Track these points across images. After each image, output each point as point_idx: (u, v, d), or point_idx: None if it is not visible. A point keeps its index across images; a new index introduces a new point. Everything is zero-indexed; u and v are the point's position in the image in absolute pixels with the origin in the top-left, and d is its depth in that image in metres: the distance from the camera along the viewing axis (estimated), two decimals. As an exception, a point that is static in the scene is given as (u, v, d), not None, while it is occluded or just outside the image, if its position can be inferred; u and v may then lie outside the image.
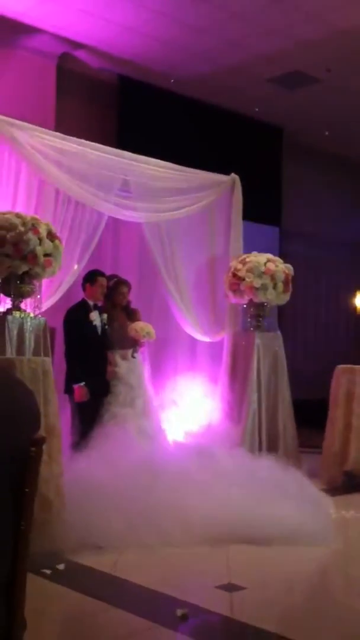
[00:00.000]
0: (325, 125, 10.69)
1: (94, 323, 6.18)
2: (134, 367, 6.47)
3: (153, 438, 6.21)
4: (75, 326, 6.10)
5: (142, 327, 6.46)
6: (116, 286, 6.49)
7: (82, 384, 5.95)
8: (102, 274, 6.29)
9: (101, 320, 6.26)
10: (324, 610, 3.71)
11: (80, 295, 6.20)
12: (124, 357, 6.43)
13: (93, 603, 3.70)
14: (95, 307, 6.25)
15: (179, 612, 3.54)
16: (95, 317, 6.20)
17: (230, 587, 3.98)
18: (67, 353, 6.09)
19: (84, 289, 6.22)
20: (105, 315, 6.32)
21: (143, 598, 3.83)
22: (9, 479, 1.97)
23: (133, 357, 6.47)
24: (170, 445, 6.33)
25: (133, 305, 6.66)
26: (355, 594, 3.98)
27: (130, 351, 6.45)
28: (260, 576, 4.18)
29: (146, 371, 6.62)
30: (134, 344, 6.45)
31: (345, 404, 6.61)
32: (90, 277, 6.21)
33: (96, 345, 6.18)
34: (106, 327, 6.32)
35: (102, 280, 6.26)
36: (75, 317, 6.14)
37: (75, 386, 5.95)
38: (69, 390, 6.00)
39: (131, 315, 6.61)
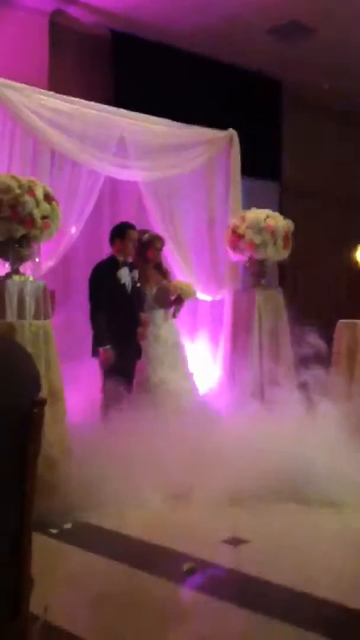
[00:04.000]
0: (325, 78, 10.50)
1: (122, 281, 5.81)
2: (174, 329, 6.27)
3: (193, 399, 6.09)
4: (101, 284, 5.69)
5: (187, 285, 6.25)
6: (151, 241, 6.16)
7: (108, 347, 5.60)
8: (132, 227, 5.89)
9: (132, 278, 5.88)
10: (328, 562, 3.78)
11: (79, 257, 6.15)
12: (165, 319, 6.22)
13: (100, 560, 3.78)
14: (125, 263, 5.86)
15: (185, 566, 3.61)
16: (124, 275, 5.82)
17: (235, 541, 4.05)
18: (92, 314, 5.69)
19: (113, 244, 5.85)
20: (136, 272, 5.93)
21: (149, 554, 3.90)
22: (15, 439, 2.00)
23: (174, 316, 6.26)
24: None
25: None
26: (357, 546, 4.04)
27: (172, 311, 6.24)
28: (264, 530, 4.25)
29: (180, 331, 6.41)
30: (173, 303, 6.22)
31: (347, 359, 6.63)
32: (120, 231, 5.83)
33: (125, 305, 5.80)
34: (138, 284, 5.93)
35: (133, 234, 5.85)
36: (101, 274, 5.73)
37: (101, 349, 5.61)
38: (96, 353, 5.67)
39: (164, 274, 6.34)
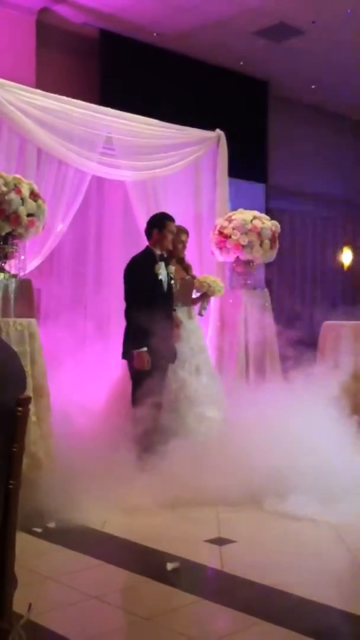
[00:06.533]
0: (312, 79, 10.55)
1: (160, 277, 5.39)
2: (198, 329, 5.89)
3: (223, 409, 5.62)
4: (138, 280, 5.28)
5: (215, 280, 5.87)
6: (176, 234, 5.70)
7: (144, 349, 5.14)
8: (171, 218, 5.51)
9: (168, 274, 5.47)
10: (313, 563, 3.78)
11: (64, 256, 6.11)
12: (189, 316, 5.82)
13: (84, 559, 3.76)
14: (161, 257, 5.45)
15: (170, 565, 3.61)
16: (161, 270, 5.41)
17: (220, 541, 4.05)
18: (128, 312, 5.28)
19: (150, 236, 5.47)
20: (172, 268, 5.54)
21: (134, 553, 3.90)
22: (1, 438, 1.98)
23: (201, 314, 5.90)
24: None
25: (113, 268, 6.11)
26: (344, 545, 4.04)
27: (198, 308, 5.90)
28: (249, 531, 4.25)
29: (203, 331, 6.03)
30: (198, 300, 5.89)
31: (331, 360, 6.64)
32: (159, 222, 5.45)
33: (162, 303, 5.38)
34: (172, 281, 5.51)
35: (172, 226, 5.46)
36: (138, 269, 5.33)
37: (135, 352, 5.16)
38: (127, 355, 5.26)
39: (187, 269, 5.98)
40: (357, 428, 5.18)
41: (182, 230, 5.90)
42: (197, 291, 5.99)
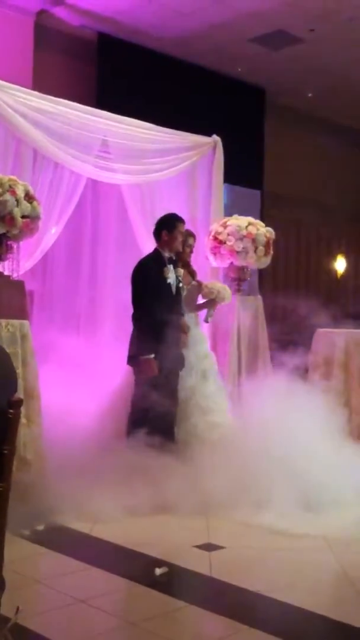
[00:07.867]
0: (308, 87, 10.59)
1: (169, 281, 5.26)
2: (203, 335, 5.79)
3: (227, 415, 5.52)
4: (147, 283, 5.14)
5: (224, 287, 5.79)
6: (185, 239, 5.58)
7: (152, 356, 5.00)
8: (181, 220, 5.37)
9: (176, 277, 5.34)
10: (301, 570, 3.78)
11: (58, 258, 6.10)
12: (196, 323, 5.71)
13: (72, 563, 3.75)
14: (170, 260, 5.32)
15: (158, 570, 3.60)
16: (169, 273, 5.27)
17: (209, 547, 4.04)
18: (135, 316, 5.16)
19: (159, 238, 5.32)
20: (181, 271, 5.42)
21: (122, 557, 3.88)
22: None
23: (207, 321, 5.81)
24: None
25: (115, 270, 6.07)
26: (331, 552, 4.04)
27: (205, 315, 5.81)
28: (238, 537, 4.24)
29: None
30: (204, 306, 5.81)
31: (324, 368, 6.65)
32: (169, 223, 5.31)
33: (170, 307, 5.22)
34: (180, 285, 5.38)
35: (182, 227, 5.33)
36: (147, 272, 5.19)
37: (143, 358, 5.02)
38: (133, 361, 5.13)
39: (193, 274, 5.85)
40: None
41: (190, 234, 5.80)
42: (205, 297, 5.90)
